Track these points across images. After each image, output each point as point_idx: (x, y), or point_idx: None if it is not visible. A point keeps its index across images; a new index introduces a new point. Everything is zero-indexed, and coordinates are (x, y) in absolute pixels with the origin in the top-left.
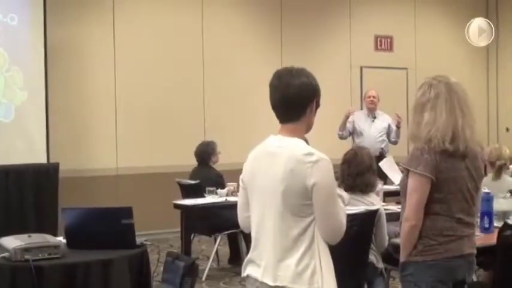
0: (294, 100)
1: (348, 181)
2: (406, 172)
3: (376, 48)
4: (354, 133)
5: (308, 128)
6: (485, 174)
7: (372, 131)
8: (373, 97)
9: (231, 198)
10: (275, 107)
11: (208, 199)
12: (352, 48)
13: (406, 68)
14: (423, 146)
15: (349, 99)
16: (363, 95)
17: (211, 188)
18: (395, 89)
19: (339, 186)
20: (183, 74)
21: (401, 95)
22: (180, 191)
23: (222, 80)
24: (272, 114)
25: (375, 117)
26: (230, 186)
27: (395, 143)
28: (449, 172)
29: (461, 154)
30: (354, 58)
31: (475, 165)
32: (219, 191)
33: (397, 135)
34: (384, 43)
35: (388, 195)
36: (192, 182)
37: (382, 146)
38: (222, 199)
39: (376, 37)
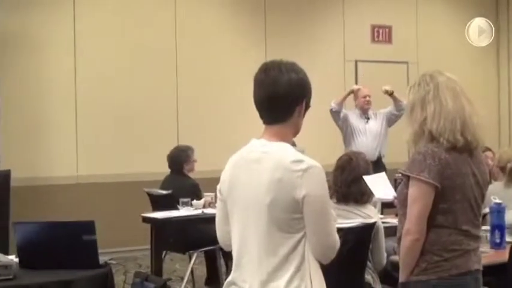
0: (281, 98)
1: (342, 189)
2: (405, 180)
3: (373, 40)
4: (346, 137)
5: (295, 131)
6: (490, 181)
7: (367, 134)
8: (369, 96)
9: (208, 211)
10: (259, 105)
11: (182, 211)
12: (346, 39)
13: (406, 62)
14: (426, 150)
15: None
16: (355, 93)
17: (185, 199)
18: (394, 85)
19: (330, 196)
20: (153, 70)
21: (401, 92)
22: (149, 203)
23: (198, 78)
24: (255, 116)
25: (368, 118)
26: (207, 197)
27: (401, 107)
28: (455, 179)
29: (468, 148)
30: (348, 51)
31: (480, 170)
32: (195, 202)
33: (396, 98)
34: (381, 34)
35: (386, 207)
36: (164, 192)
37: (379, 149)
38: (198, 211)
39: (373, 27)
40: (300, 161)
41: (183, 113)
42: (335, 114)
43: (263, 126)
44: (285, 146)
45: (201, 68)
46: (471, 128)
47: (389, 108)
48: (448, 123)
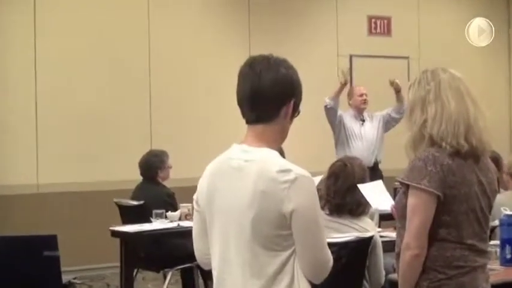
0: (266, 94)
1: (335, 200)
2: (404, 188)
3: (370, 33)
4: (339, 140)
5: (282, 136)
6: (498, 190)
7: (363, 138)
8: (366, 95)
9: (185, 224)
10: (241, 100)
11: (156, 224)
12: (340, 32)
13: (407, 57)
14: (426, 155)
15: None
16: (350, 91)
17: (159, 211)
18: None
19: (322, 207)
20: (123, 69)
21: (402, 90)
22: (119, 214)
23: (173, 77)
24: (236, 119)
25: (364, 120)
26: (184, 208)
27: (402, 110)
28: (460, 187)
29: (474, 154)
30: (342, 45)
31: (488, 177)
32: (170, 214)
33: (401, 98)
34: (379, 26)
35: (385, 219)
36: (135, 202)
37: (376, 155)
38: (173, 224)
39: (370, 18)
40: (287, 171)
41: (157, 115)
42: (331, 111)
43: (245, 131)
44: (270, 153)
45: (176, 67)
46: (476, 131)
47: (388, 110)
48: (451, 126)
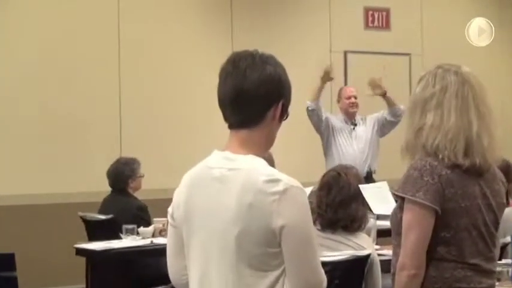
0: (252, 96)
1: (328, 214)
2: (400, 201)
3: (367, 26)
4: (327, 147)
5: (269, 141)
6: (508, 203)
7: (354, 144)
8: (355, 97)
9: (159, 241)
10: (223, 102)
11: (126, 242)
12: (333, 25)
13: (408, 54)
14: (423, 164)
15: (329, 97)
16: (339, 92)
17: (129, 226)
18: (393, 82)
19: (314, 222)
20: (90, 66)
21: (402, 90)
22: (84, 230)
23: (146, 75)
24: (217, 123)
25: (355, 125)
26: (158, 223)
27: (397, 113)
28: (460, 200)
29: (476, 171)
30: (336, 40)
31: (493, 189)
32: (142, 229)
33: (392, 101)
34: (377, 19)
35: (383, 235)
36: (103, 216)
37: (369, 163)
38: (146, 241)
39: (367, 10)
40: (276, 181)
41: (127, 119)
42: (313, 114)
43: (228, 133)
44: (256, 161)
45: (150, 64)
46: (479, 149)
47: (384, 112)
48: (447, 142)
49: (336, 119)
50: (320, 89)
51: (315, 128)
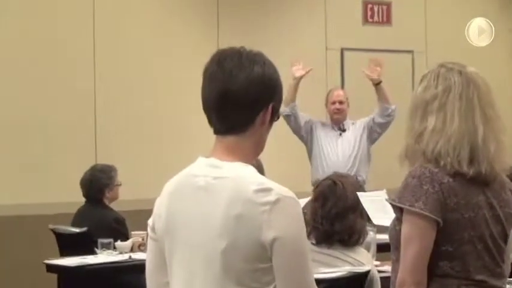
0: (239, 99)
1: (323, 227)
2: (398, 213)
3: (366, 21)
4: (311, 156)
5: (258, 147)
6: None
7: (339, 152)
8: (340, 103)
9: (138, 256)
10: (208, 106)
11: (102, 257)
12: (329, 21)
13: (411, 51)
14: (422, 171)
15: (323, 98)
16: (327, 96)
17: (105, 240)
18: (394, 81)
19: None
20: (61, 67)
21: (404, 91)
22: (56, 244)
23: (124, 74)
24: (201, 127)
25: (343, 131)
26: (136, 236)
27: (387, 112)
28: (463, 210)
29: (482, 180)
30: (332, 36)
31: (501, 199)
32: (119, 243)
33: (384, 97)
34: (377, 13)
35: (383, 250)
36: (76, 229)
37: (356, 172)
38: (124, 257)
39: (366, 4)
40: (267, 190)
41: (103, 122)
42: (289, 119)
43: (212, 140)
44: (245, 168)
45: (125, 67)
46: (485, 156)
47: (373, 114)
48: (450, 148)
49: (322, 125)
50: (293, 90)
51: (295, 134)
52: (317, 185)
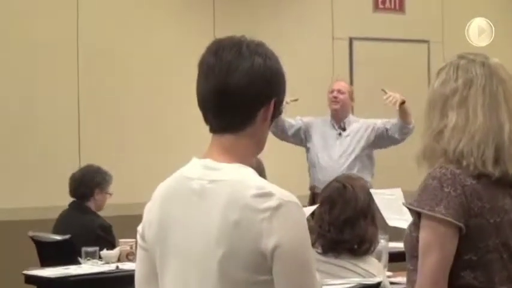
0: (238, 94)
1: (331, 234)
2: (415, 217)
3: (377, 8)
4: (309, 159)
5: (258, 145)
6: None
7: (337, 154)
8: (339, 91)
9: (126, 266)
10: (204, 102)
11: (86, 267)
12: (337, 8)
13: (426, 41)
14: (443, 173)
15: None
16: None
17: (90, 249)
18: (408, 75)
19: (313, 244)
20: (40, 60)
21: (418, 85)
22: (36, 253)
23: (109, 69)
24: (195, 125)
25: (343, 129)
26: (124, 245)
27: (406, 130)
28: (488, 216)
29: (509, 181)
30: (340, 24)
31: None
32: (105, 253)
33: (406, 116)
34: (388, 0)
35: (396, 259)
36: (58, 237)
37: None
38: (110, 267)
39: None
40: (268, 195)
41: (87, 122)
42: (276, 134)
43: (209, 138)
44: (244, 170)
45: (111, 62)
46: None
47: (388, 122)
48: (474, 146)
49: (322, 123)
50: None
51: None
52: (324, 188)
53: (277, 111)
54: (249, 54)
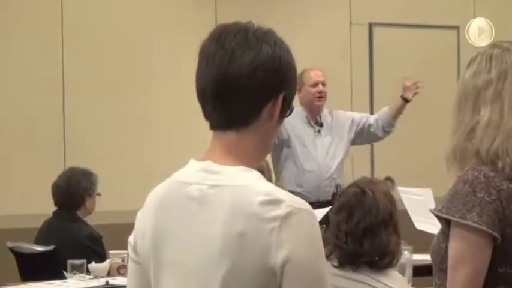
0: (242, 86)
1: (348, 246)
2: (444, 226)
3: None
4: (276, 161)
5: (264, 146)
6: None
7: (318, 153)
8: (323, 84)
9: (117, 281)
10: (204, 95)
11: (72, 282)
12: None
13: (456, 27)
14: (476, 175)
15: (349, 81)
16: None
17: (77, 261)
18: (435, 64)
19: (328, 256)
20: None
21: (447, 76)
22: (16, 266)
23: (96, 68)
24: (194, 122)
25: (321, 125)
26: (115, 257)
27: (391, 127)
28: None
29: None
30: (358, 9)
31: None
32: (93, 266)
33: (399, 114)
34: None
35: (421, 273)
36: (41, 248)
37: (336, 180)
38: (99, 282)
39: None
40: (276, 202)
41: (73, 121)
42: None
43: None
44: (249, 174)
45: (98, 60)
46: None
47: (371, 117)
48: (510, 146)
49: (294, 121)
50: None
51: None
52: (340, 194)
53: (287, 109)
54: (255, 42)
